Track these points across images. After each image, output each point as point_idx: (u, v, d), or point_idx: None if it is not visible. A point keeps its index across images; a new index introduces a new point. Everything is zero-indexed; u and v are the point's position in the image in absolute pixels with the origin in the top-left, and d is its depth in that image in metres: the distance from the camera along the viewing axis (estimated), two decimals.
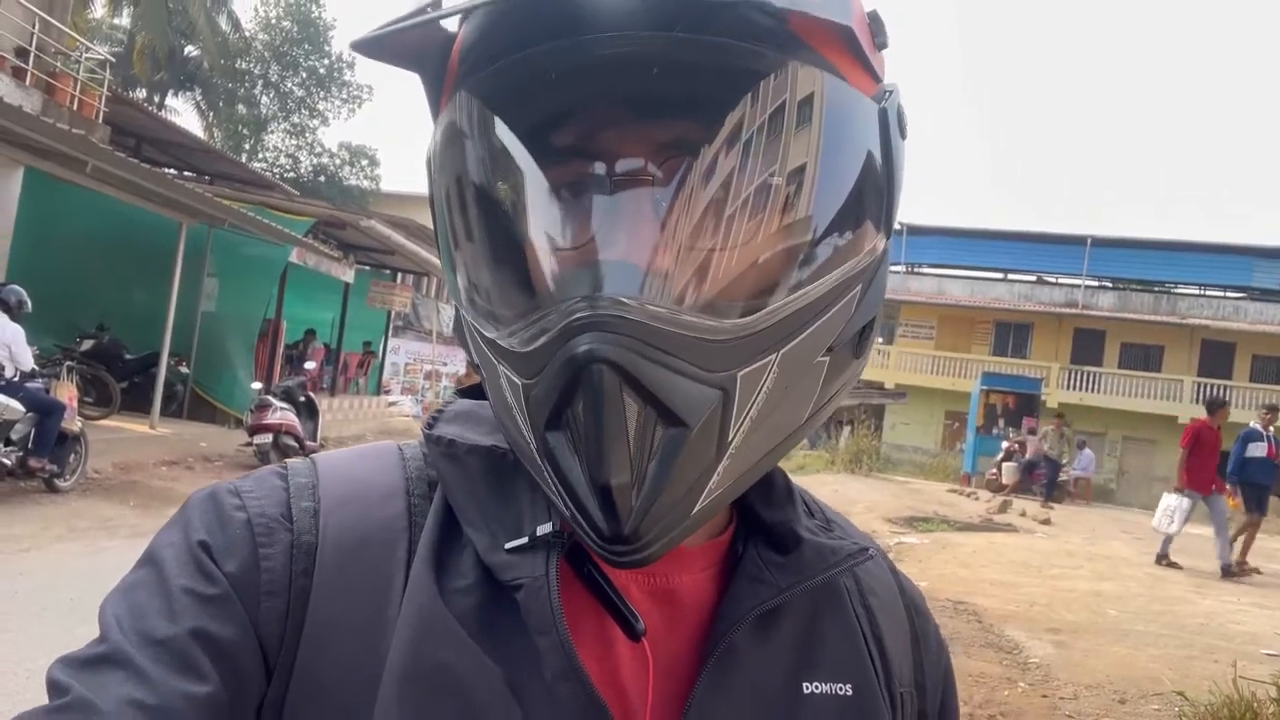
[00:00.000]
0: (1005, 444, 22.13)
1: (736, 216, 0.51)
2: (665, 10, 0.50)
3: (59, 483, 8.01)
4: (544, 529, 0.55)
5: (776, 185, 0.52)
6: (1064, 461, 16.81)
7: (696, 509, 0.52)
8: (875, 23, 0.58)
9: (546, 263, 0.52)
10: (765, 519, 0.62)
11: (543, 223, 0.53)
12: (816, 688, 0.59)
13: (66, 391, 8.32)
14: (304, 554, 0.56)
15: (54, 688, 0.50)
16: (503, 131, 0.53)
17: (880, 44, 0.58)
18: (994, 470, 21.62)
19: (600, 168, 0.52)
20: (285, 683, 0.53)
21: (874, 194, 0.56)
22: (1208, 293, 31.56)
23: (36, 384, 7.73)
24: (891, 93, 0.58)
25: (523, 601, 0.53)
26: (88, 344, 12.00)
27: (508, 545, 0.55)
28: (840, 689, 0.60)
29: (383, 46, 0.54)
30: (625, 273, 0.50)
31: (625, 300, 0.49)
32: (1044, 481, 18.43)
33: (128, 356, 12.63)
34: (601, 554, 0.51)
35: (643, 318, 0.48)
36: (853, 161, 0.55)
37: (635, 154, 0.52)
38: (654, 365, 0.48)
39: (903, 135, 0.59)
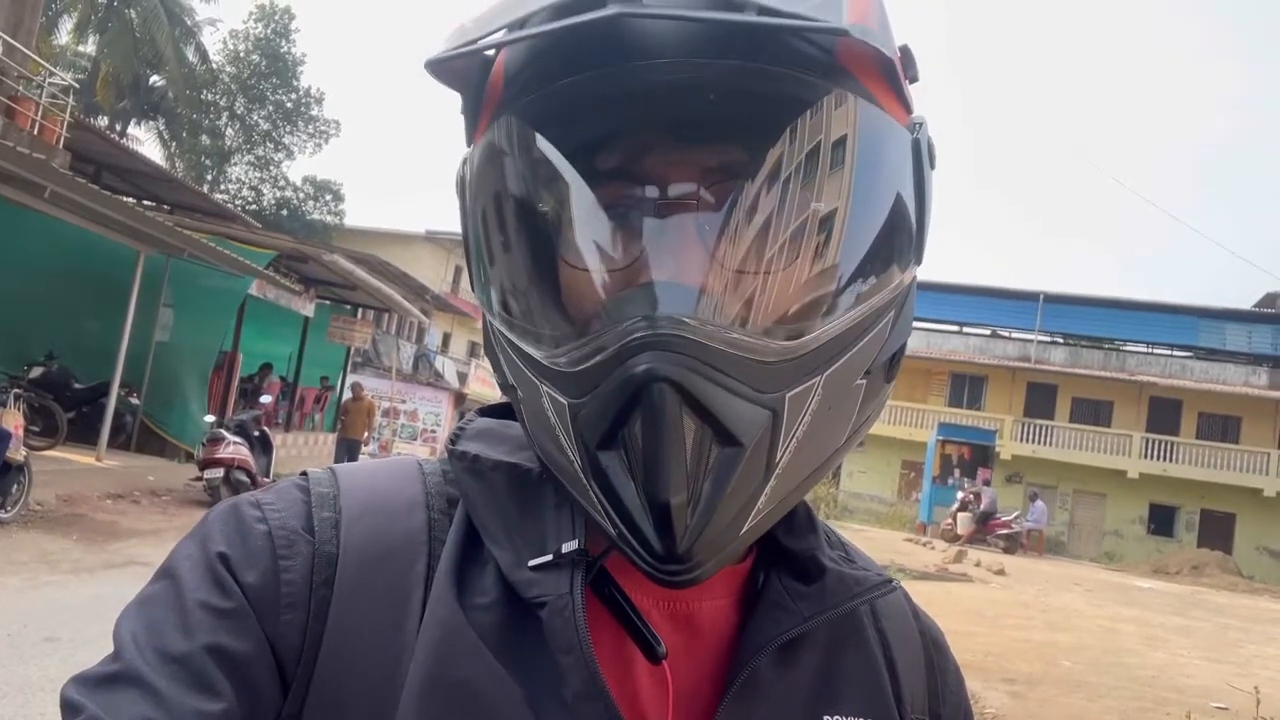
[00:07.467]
0: (960, 494, 22.40)
1: (786, 242, 0.52)
2: (716, 38, 0.51)
3: None
4: (569, 546, 0.55)
5: (825, 213, 0.53)
6: None
7: (745, 529, 0.52)
8: (907, 56, 0.59)
9: (600, 285, 0.53)
10: (788, 547, 0.62)
11: (596, 246, 0.53)
12: None
13: (12, 420, 8.06)
14: (325, 564, 0.55)
15: (68, 707, 0.49)
16: (554, 154, 0.53)
17: (912, 77, 0.60)
18: (949, 520, 21.84)
19: (653, 191, 0.52)
20: (302, 697, 0.53)
21: (909, 223, 0.57)
22: (1155, 351, 32.40)
23: None
24: (922, 124, 0.58)
25: (547, 619, 0.53)
26: (36, 372, 11.67)
27: (532, 562, 0.55)
28: None
29: (445, 68, 0.55)
30: (681, 293, 0.51)
31: (685, 320, 0.49)
32: (1001, 533, 18.18)
33: (76, 386, 12.28)
34: (652, 573, 0.51)
35: (700, 337, 0.49)
36: (892, 192, 0.56)
37: (687, 179, 0.52)
38: (712, 385, 0.49)
39: (932, 165, 0.59)
